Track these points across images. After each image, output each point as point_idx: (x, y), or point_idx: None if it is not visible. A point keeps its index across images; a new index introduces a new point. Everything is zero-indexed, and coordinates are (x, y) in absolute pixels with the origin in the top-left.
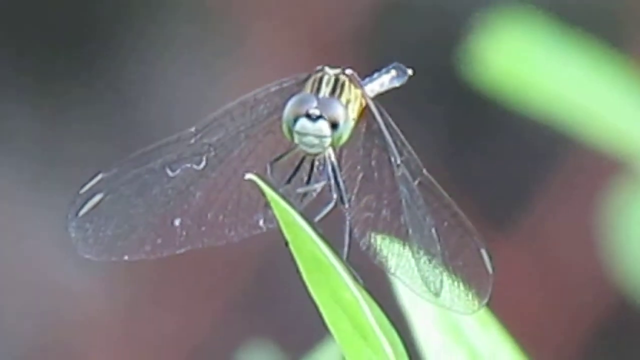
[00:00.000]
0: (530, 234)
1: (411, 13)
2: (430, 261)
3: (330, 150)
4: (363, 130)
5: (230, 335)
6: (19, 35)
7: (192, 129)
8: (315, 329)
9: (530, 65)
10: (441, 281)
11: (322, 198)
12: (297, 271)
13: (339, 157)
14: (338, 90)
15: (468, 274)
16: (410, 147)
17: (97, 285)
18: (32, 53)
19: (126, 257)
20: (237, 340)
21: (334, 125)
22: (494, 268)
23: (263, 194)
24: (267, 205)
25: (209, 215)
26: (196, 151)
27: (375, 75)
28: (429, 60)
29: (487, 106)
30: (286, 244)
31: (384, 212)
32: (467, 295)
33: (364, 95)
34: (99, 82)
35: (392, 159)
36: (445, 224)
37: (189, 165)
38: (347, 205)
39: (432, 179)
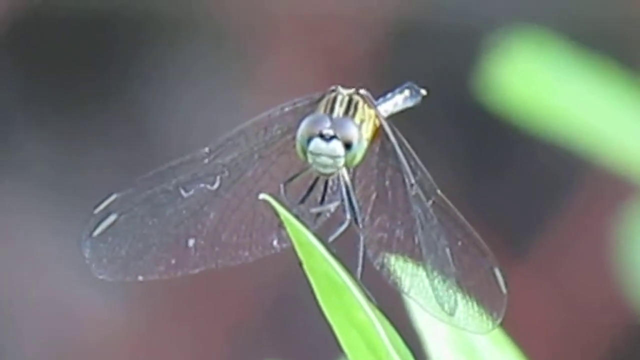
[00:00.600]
0: (547, 259)
1: (426, 36)
2: (444, 281)
3: (343, 170)
4: (377, 150)
5: (247, 357)
6: (37, 62)
7: (206, 149)
8: (329, 350)
9: (544, 87)
10: (455, 301)
11: (336, 218)
12: (312, 292)
13: (352, 177)
14: (352, 111)
15: (482, 293)
16: (424, 167)
17: (116, 311)
18: (50, 79)
19: (140, 278)
20: None
21: (348, 146)
22: (508, 288)
23: (277, 214)
24: (280, 225)
25: (222, 236)
26: (210, 171)
27: (389, 95)
28: (444, 83)
29: (502, 128)
30: (300, 264)
31: (397, 232)
32: (481, 315)
33: (377, 115)
34: (117, 108)
35: (406, 179)
36: (459, 243)
37: (202, 185)
38: (360, 226)
39: (446, 199)
